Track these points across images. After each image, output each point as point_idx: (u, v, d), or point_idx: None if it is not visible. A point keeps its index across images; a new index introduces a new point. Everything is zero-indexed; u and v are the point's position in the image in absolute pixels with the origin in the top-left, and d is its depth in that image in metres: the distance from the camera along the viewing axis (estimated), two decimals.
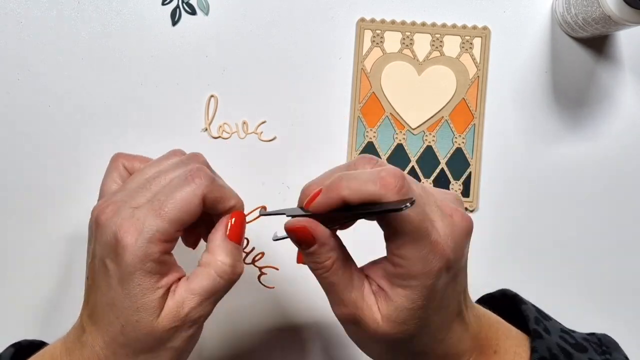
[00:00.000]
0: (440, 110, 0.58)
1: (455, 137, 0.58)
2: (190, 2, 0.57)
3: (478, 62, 0.58)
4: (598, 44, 0.58)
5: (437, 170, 0.58)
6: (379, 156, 0.58)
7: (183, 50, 0.57)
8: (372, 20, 0.57)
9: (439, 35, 0.58)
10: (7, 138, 0.57)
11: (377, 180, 0.38)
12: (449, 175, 0.58)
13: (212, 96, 0.57)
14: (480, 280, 0.56)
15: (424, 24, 0.58)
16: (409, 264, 0.39)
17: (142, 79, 0.57)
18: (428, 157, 0.58)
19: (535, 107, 0.58)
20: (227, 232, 0.44)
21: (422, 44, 0.57)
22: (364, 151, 0.58)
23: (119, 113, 0.57)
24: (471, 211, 0.58)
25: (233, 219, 0.45)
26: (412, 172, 0.58)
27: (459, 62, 0.58)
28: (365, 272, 0.42)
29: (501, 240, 0.58)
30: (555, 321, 0.50)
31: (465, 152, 0.58)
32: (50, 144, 0.57)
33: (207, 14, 0.57)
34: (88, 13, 0.57)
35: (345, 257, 0.41)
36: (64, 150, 0.57)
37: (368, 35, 0.57)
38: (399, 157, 0.58)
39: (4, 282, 0.57)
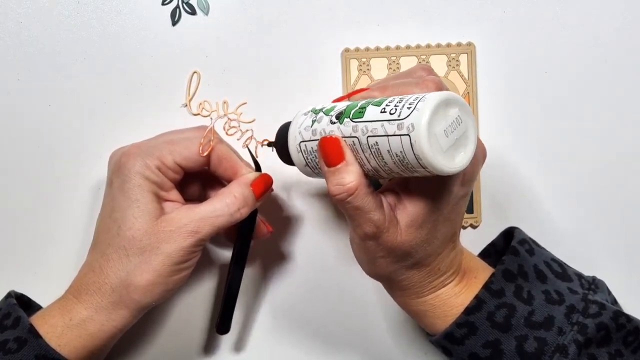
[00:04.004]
0: None
1: None
2: (190, 2, 0.57)
3: (466, 78, 0.58)
4: (598, 44, 0.58)
5: None
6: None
7: (183, 50, 0.58)
8: (357, 49, 0.57)
9: (424, 57, 0.58)
10: (7, 138, 0.57)
11: (420, 82, 0.42)
12: None
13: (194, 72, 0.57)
14: None
15: (408, 47, 0.58)
16: None
17: (142, 79, 0.57)
18: None
19: (532, 111, 0.59)
20: (253, 183, 0.50)
21: (408, 67, 0.57)
22: None
23: (119, 113, 0.57)
24: (476, 226, 0.59)
25: (266, 179, 0.51)
26: None
27: (447, 80, 0.58)
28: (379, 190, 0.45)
29: None
30: (550, 253, 0.52)
31: None
32: (50, 144, 0.57)
33: (207, 14, 0.57)
34: (88, 13, 0.57)
35: (366, 183, 0.43)
36: (63, 150, 0.57)
37: (354, 64, 0.57)
38: None
39: None
